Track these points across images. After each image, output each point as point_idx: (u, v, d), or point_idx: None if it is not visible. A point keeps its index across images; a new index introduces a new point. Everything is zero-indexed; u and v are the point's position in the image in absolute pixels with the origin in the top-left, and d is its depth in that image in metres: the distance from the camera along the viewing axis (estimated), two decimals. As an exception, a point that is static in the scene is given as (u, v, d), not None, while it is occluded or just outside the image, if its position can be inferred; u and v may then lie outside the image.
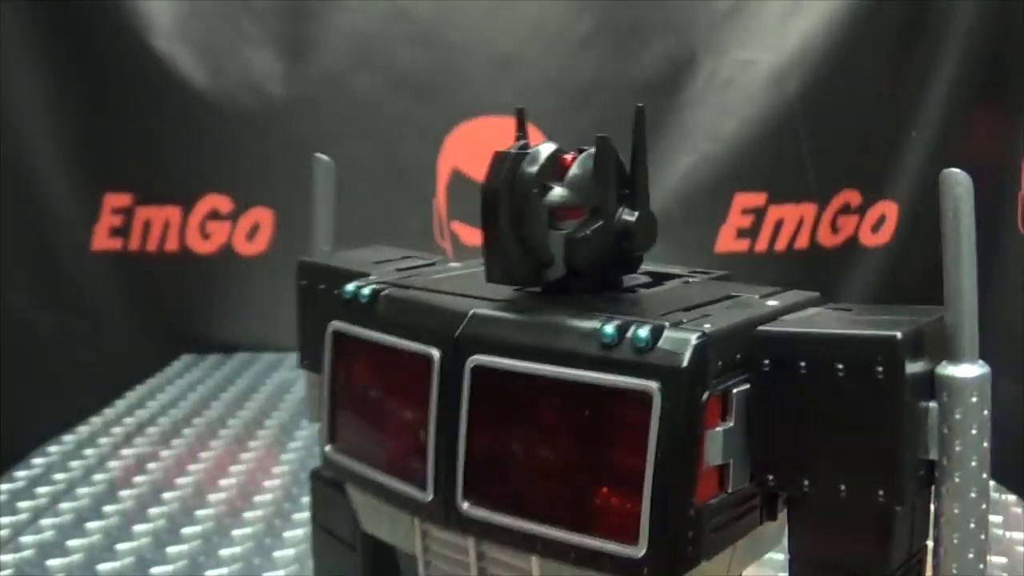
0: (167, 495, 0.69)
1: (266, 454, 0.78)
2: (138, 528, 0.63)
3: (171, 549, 0.60)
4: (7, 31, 1.03)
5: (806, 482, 0.27)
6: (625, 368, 0.27)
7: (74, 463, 0.76)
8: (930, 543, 0.28)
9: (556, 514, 0.29)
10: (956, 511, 0.26)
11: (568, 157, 0.32)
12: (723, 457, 0.27)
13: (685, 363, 0.27)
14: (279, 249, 1.07)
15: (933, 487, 0.28)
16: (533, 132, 0.29)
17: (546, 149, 0.32)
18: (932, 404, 0.27)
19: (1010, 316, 0.96)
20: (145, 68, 1.05)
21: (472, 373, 0.30)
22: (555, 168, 0.32)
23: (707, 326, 0.28)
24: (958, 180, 0.26)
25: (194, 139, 1.07)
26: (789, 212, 1.12)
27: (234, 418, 0.87)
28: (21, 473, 0.73)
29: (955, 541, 0.26)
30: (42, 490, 0.70)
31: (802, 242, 1.13)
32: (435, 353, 0.31)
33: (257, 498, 0.68)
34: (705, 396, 0.27)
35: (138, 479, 0.72)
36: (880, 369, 0.26)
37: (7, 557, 0.58)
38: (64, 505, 0.67)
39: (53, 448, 0.79)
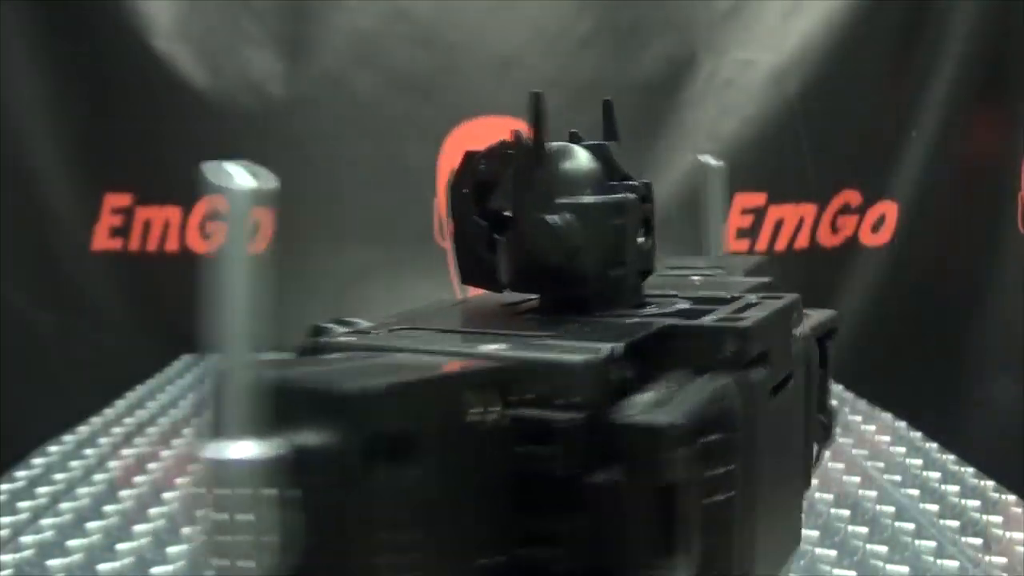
0: (167, 495, 0.69)
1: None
2: (138, 528, 0.63)
3: (171, 549, 0.60)
4: (7, 31, 1.03)
5: None
6: None
7: (74, 463, 0.76)
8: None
9: None
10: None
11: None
12: None
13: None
14: (279, 248, 1.07)
15: None
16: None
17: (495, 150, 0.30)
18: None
19: (1010, 316, 0.96)
20: (145, 68, 1.05)
21: None
22: (497, 170, 0.30)
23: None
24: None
25: (194, 139, 1.07)
26: (789, 212, 1.12)
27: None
28: (21, 473, 0.73)
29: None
30: (42, 490, 0.70)
31: (802, 242, 1.13)
32: None
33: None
34: None
35: (138, 479, 0.72)
36: None
37: (7, 557, 0.58)
38: (64, 505, 0.67)
39: (53, 448, 0.79)
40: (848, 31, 1.08)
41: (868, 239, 1.15)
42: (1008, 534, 0.61)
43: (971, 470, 0.70)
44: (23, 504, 0.67)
